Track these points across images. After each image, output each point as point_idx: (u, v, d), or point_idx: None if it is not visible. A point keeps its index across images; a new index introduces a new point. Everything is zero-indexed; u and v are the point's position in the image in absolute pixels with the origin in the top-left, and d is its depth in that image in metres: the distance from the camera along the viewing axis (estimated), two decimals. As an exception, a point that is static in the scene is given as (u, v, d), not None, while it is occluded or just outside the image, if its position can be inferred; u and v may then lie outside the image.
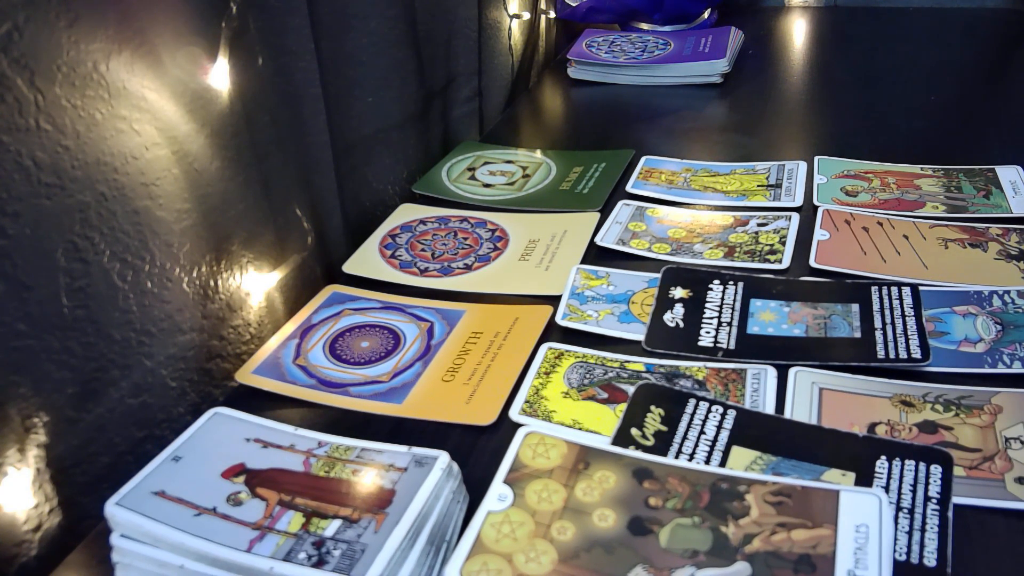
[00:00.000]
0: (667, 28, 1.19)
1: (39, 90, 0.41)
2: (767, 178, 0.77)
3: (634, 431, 0.47)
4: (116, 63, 0.45)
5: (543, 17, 1.17)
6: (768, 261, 0.64)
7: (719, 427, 0.47)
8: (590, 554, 0.38)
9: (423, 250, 0.69)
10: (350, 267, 0.68)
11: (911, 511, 0.41)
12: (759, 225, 0.69)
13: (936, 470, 0.43)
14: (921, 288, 0.57)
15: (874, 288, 0.58)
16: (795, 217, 0.69)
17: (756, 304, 0.58)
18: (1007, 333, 0.53)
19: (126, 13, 0.46)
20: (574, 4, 1.21)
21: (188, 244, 0.52)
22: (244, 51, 0.55)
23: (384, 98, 0.75)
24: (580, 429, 0.49)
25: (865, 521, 0.38)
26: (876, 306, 0.56)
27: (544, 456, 0.43)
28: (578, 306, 0.60)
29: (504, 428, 0.50)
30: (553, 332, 0.58)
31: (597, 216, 0.73)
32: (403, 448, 0.44)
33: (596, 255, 0.67)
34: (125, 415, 0.48)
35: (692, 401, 0.49)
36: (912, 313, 0.55)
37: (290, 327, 0.60)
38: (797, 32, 1.27)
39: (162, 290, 0.50)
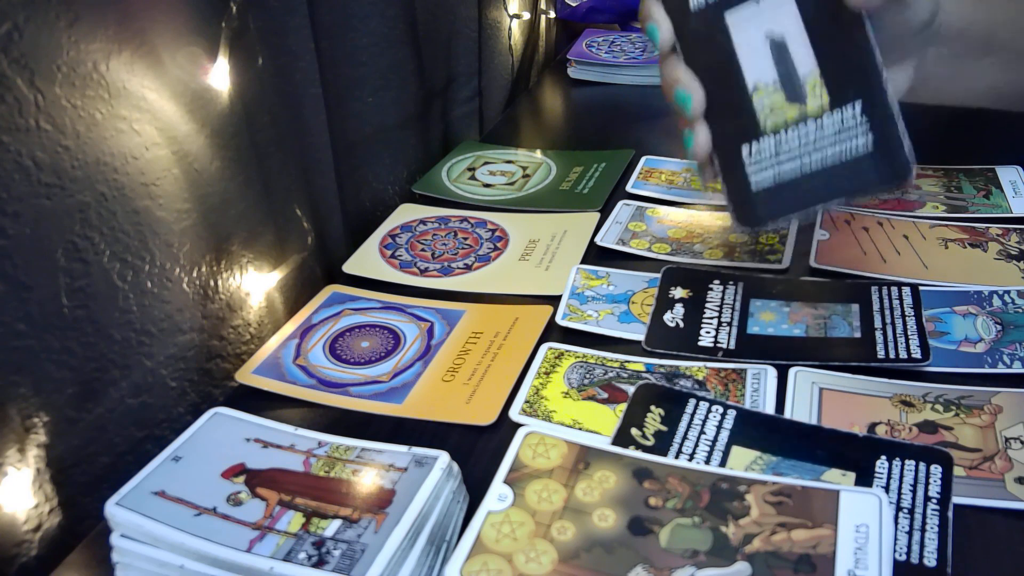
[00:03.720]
0: (667, 28, 1.19)
1: (39, 90, 0.41)
2: (767, 178, 0.77)
3: (634, 431, 0.47)
4: (116, 63, 0.45)
5: (543, 17, 1.17)
6: (768, 261, 0.64)
7: (719, 427, 0.47)
8: (590, 554, 0.38)
9: (423, 250, 0.69)
10: (350, 267, 0.68)
11: (911, 511, 0.41)
12: (759, 225, 0.69)
13: (936, 470, 0.43)
14: (921, 288, 0.57)
15: (874, 288, 0.58)
16: (795, 217, 0.69)
17: (756, 304, 0.58)
18: (1007, 333, 0.53)
19: (126, 13, 0.46)
20: (574, 4, 1.21)
21: (188, 244, 0.52)
22: (244, 51, 0.55)
23: (384, 98, 0.75)
24: (580, 429, 0.49)
25: (865, 521, 0.38)
26: (876, 306, 0.56)
27: (544, 456, 0.43)
28: (578, 306, 0.60)
29: (504, 428, 0.50)
30: (553, 332, 0.58)
31: (597, 216, 0.73)
32: (403, 448, 0.44)
33: (596, 255, 0.67)
34: (125, 415, 0.48)
35: (692, 401, 0.49)
36: (912, 313, 0.55)
37: (290, 327, 0.60)
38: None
39: (162, 290, 0.50)
